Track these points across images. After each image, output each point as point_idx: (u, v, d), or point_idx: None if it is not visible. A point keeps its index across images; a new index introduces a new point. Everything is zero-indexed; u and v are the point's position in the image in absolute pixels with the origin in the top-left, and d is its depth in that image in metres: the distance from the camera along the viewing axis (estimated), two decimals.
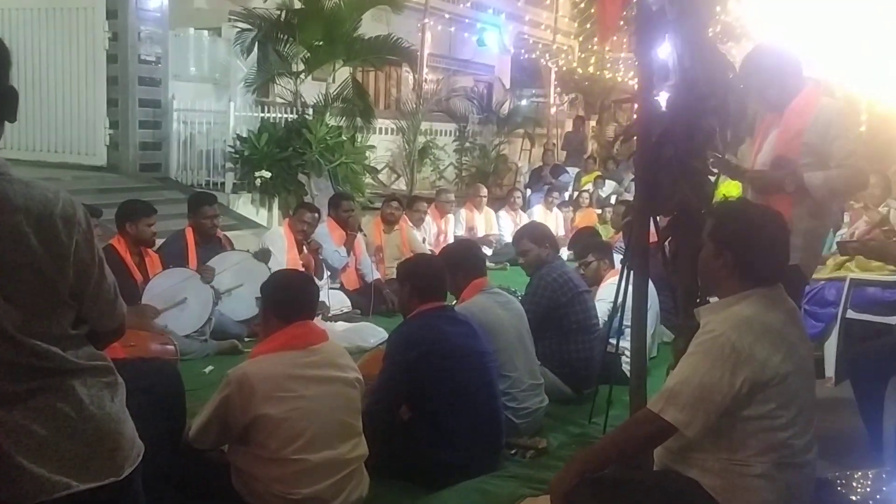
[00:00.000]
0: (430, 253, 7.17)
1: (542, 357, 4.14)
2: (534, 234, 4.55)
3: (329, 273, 6.40)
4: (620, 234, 6.93)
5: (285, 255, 6.00)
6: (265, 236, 6.44)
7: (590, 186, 12.36)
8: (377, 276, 6.80)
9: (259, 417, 2.66)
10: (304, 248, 6.15)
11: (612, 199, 11.86)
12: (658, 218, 3.22)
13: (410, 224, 7.79)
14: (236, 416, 2.67)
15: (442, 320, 3.35)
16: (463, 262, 3.91)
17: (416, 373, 3.22)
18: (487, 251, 9.44)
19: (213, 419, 2.71)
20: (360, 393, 2.94)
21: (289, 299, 2.88)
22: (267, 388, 2.67)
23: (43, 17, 9.45)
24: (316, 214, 6.29)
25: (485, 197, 9.58)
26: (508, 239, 9.55)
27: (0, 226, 1.45)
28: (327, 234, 6.57)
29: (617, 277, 3.82)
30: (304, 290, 2.96)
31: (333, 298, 6.19)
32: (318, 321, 5.49)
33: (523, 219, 9.86)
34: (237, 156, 9.39)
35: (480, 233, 9.26)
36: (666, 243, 3.22)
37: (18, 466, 1.45)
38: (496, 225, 9.59)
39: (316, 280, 6.15)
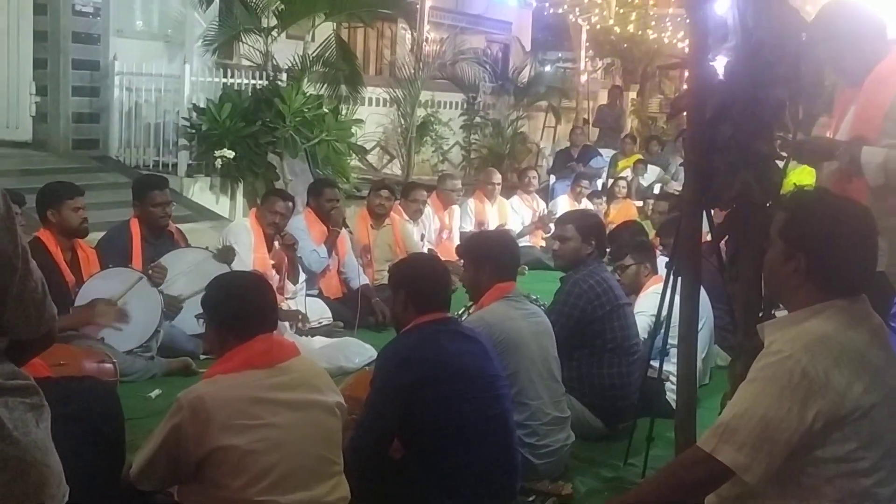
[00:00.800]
0: (428, 253, 7.19)
1: (569, 383, 4.14)
2: (583, 224, 4.61)
3: (305, 277, 6.42)
4: (664, 233, 6.91)
5: (251, 254, 6.01)
6: (227, 230, 6.45)
7: (628, 173, 12.38)
8: (364, 281, 6.80)
9: (216, 450, 2.66)
10: (276, 244, 6.16)
11: (656, 189, 11.87)
12: (713, 212, 3.22)
13: (405, 217, 7.81)
14: (188, 449, 2.67)
15: (444, 336, 3.35)
16: (494, 256, 3.95)
17: (412, 400, 3.22)
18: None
19: (159, 453, 2.71)
20: (342, 421, 2.95)
21: (244, 310, 2.88)
22: (226, 415, 2.68)
23: None
24: (290, 204, 6.30)
25: (498, 185, 9.59)
26: (523, 239, 9.61)
27: None
28: (304, 229, 6.58)
29: (661, 285, 3.81)
30: (261, 295, 2.97)
31: (311, 308, 6.20)
32: (290, 335, 5.55)
33: (543, 208, 9.89)
34: (193, 131, 9.42)
35: (492, 226, 9.27)
36: (722, 243, 3.22)
37: None
38: (511, 218, 9.62)
39: (290, 285, 6.28)
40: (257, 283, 3.09)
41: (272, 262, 6.10)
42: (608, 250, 5.28)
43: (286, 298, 6.09)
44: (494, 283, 3.90)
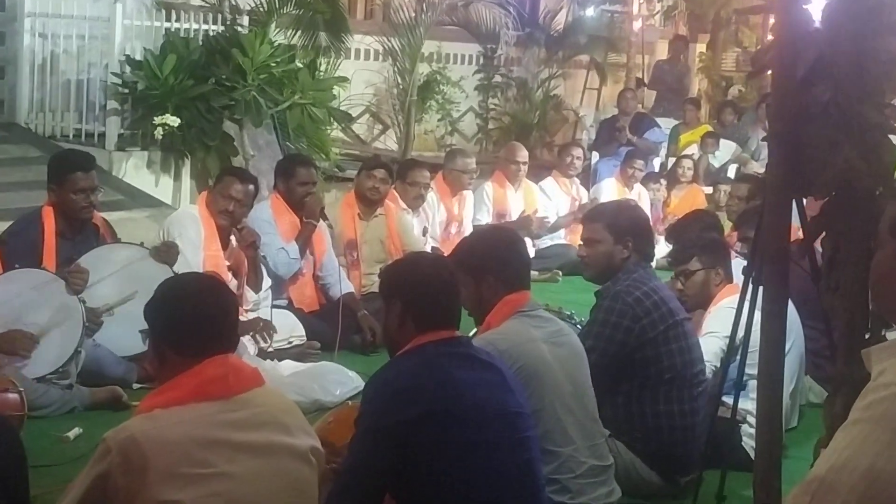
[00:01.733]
0: (435, 251, 7.19)
1: (614, 424, 4.16)
2: (616, 219, 4.60)
3: (270, 283, 6.43)
4: (742, 227, 6.91)
5: (200, 253, 6.03)
6: (168, 221, 6.47)
7: (694, 150, 12.38)
8: (348, 288, 6.83)
9: None
10: (232, 240, 6.17)
11: (731, 172, 11.86)
12: (805, 202, 3.22)
13: (402, 205, 7.84)
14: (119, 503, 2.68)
15: (453, 360, 3.35)
16: (496, 260, 3.95)
17: (410, 445, 3.21)
18: (529, 247, 9.47)
19: None
20: (318, 471, 2.95)
21: (196, 324, 2.90)
22: (169, 461, 2.68)
23: None
24: (250, 187, 6.31)
25: (524, 164, 9.59)
26: (558, 236, 9.62)
27: None
28: (270, 220, 6.62)
29: (736, 298, 3.81)
30: (220, 306, 3.00)
31: (278, 323, 6.22)
32: (250, 358, 5.56)
33: (585, 197, 9.91)
34: (126, 91, 9.44)
35: (515, 217, 9.29)
36: (817, 242, 3.21)
37: None
38: (543, 206, 9.62)
39: (251, 294, 6.29)
40: (216, 290, 3.11)
41: (227, 263, 6.13)
42: (673, 249, 5.29)
43: (246, 311, 6.11)
44: (501, 295, 3.91)
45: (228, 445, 2.77)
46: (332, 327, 6.34)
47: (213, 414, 2.79)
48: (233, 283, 6.02)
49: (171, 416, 2.76)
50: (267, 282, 6.39)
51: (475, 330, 4.54)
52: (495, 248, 4.07)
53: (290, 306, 6.64)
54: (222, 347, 2.90)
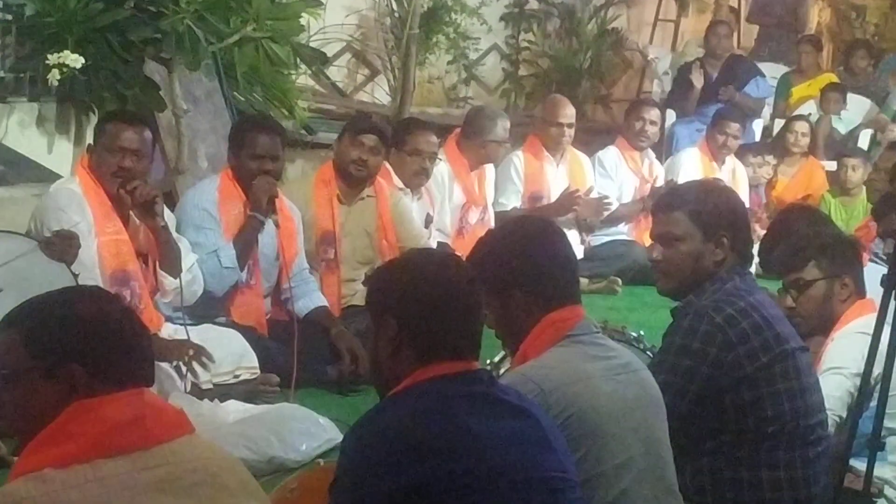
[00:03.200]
0: (444, 248, 7.22)
1: (697, 495, 4.20)
2: (704, 208, 4.58)
3: (194, 262, 6.51)
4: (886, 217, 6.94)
5: (93, 239, 6.05)
6: (40, 208, 6.39)
7: (812, 108, 12.39)
8: (321, 301, 6.86)
9: None
10: (131, 211, 6.20)
11: (865, 140, 11.86)
12: None
13: (399, 183, 7.88)
14: None
15: (468, 405, 3.36)
16: (527, 269, 3.98)
17: None
18: (576, 245, 9.48)
19: None
20: None
21: (110, 336, 2.93)
22: None
23: None
24: (146, 133, 6.35)
25: (570, 126, 9.63)
26: (621, 232, 9.68)
27: None
28: (212, 208, 6.70)
29: (871, 319, 3.82)
30: (130, 326, 3.03)
31: (220, 346, 6.25)
32: (177, 397, 5.59)
33: (659, 174, 9.94)
34: (9, 17, 9.45)
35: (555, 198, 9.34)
36: None
37: None
38: (597, 185, 9.66)
39: (168, 280, 6.26)
40: (121, 306, 3.12)
41: (135, 247, 6.20)
42: (781, 251, 5.30)
43: (164, 318, 6.22)
44: (538, 316, 3.94)
45: None
46: (297, 354, 6.39)
47: (129, 472, 2.79)
48: (140, 273, 6.18)
49: (70, 477, 2.75)
50: (190, 258, 6.42)
51: (502, 354, 4.58)
52: (522, 251, 4.08)
53: (233, 324, 6.68)
54: (135, 380, 2.92)
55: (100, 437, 2.80)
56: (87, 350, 2.88)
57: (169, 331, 6.19)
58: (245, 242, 6.65)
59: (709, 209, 4.57)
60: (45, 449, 2.83)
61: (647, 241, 8.88)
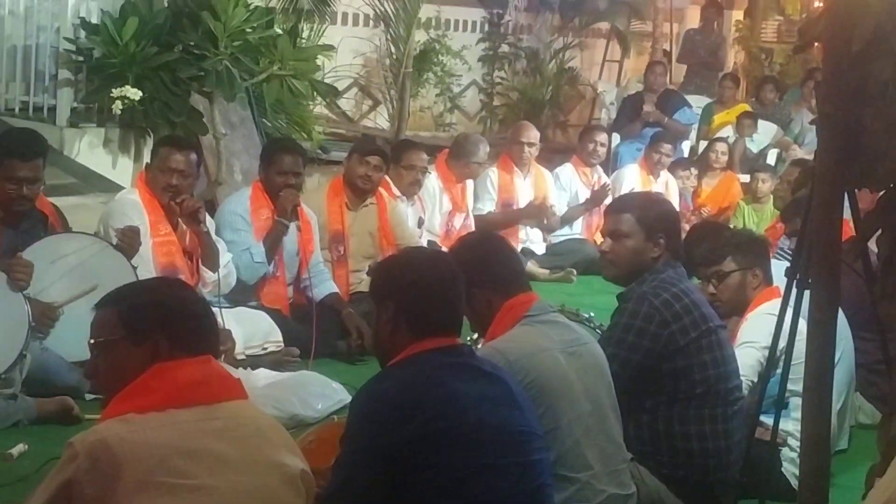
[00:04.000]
0: (432, 246, 7.20)
1: (637, 447, 4.17)
2: (646, 212, 4.58)
3: (229, 259, 6.47)
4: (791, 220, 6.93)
5: (149, 240, 6.03)
6: (106, 211, 6.41)
7: (729, 131, 12.39)
8: (332, 289, 6.85)
9: None
10: (179, 218, 6.19)
11: (772, 158, 11.88)
12: (857, 194, 3.23)
13: (396, 193, 7.84)
14: None
15: (454, 371, 3.36)
16: (487, 265, 3.97)
17: (404, 469, 3.23)
18: (537, 246, 9.49)
19: None
20: (306, 500, 2.96)
21: (186, 320, 2.94)
22: (144, 469, 2.68)
23: None
24: (192, 155, 6.35)
25: (533, 146, 9.61)
26: (573, 231, 9.65)
27: None
28: (246, 212, 6.66)
29: (777, 303, 3.82)
30: (203, 309, 3.05)
31: (251, 324, 6.24)
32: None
33: (608, 186, 9.92)
34: (81, 59, 9.42)
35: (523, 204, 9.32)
36: (872, 241, 3.22)
37: None
38: (555, 195, 9.63)
39: (208, 274, 6.24)
40: (194, 293, 3.20)
41: (184, 247, 6.20)
42: (704, 248, 5.30)
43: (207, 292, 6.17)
44: (503, 300, 3.93)
45: (211, 456, 2.78)
46: (315, 331, 6.37)
47: (195, 421, 2.80)
48: (186, 268, 6.16)
49: (148, 420, 2.76)
50: (226, 256, 6.39)
51: (475, 337, 4.57)
52: (480, 251, 4.09)
53: (262, 307, 6.64)
54: (205, 349, 2.94)
55: (173, 392, 2.82)
56: (169, 326, 2.91)
57: None
58: (272, 242, 6.61)
59: (652, 215, 4.57)
60: (129, 399, 2.84)
61: (598, 239, 8.99)
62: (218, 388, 2.90)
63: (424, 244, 7.73)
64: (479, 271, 3.93)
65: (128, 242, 5.74)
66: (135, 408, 2.80)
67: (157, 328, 2.90)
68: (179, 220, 6.20)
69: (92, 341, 2.99)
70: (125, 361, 2.89)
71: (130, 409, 2.80)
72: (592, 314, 5.52)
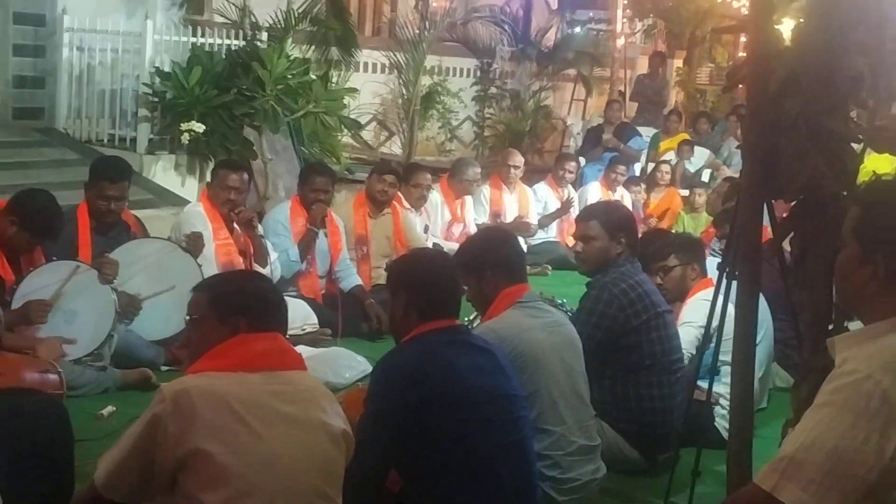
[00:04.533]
0: (437, 247, 7.18)
1: (601, 406, 4.14)
2: (609, 219, 4.58)
3: (276, 256, 6.45)
4: (722, 225, 6.92)
5: (212, 243, 6.02)
6: (178, 221, 6.41)
7: (671, 156, 12.38)
8: (356, 282, 6.83)
9: (196, 454, 2.65)
10: (235, 225, 6.19)
11: (706, 176, 11.86)
12: (775, 204, 3.22)
13: (407, 205, 7.82)
14: (166, 448, 2.66)
15: (453, 347, 3.35)
16: (494, 259, 3.95)
17: (414, 424, 3.21)
18: (522, 244, 9.46)
19: (132, 454, 2.70)
20: (346, 454, 2.94)
21: (261, 301, 2.94)
22: (214, 414, 2.67)
23: None
24: (244, 175, 6.36)
25: (518, 168, 9.58)
26: (548, 235, 9.63)
27: None
28: (285, 221, 6.64)
29: (711, 291, 3.81)
30: (275, 293, 3.07)
31: (292, 310, 6.19)
32: None
33: (573, 199, 9.90)
34: (156, 100, 9.43)
35: (510, 219, 9.27)
36: (786, 242, 3.21)
37: None
38: (534, 208, 9.61)
39: (258, 268, 6.15)
40: (267, 282, 3.21)
41: (238, 248, 6.17)
42: (653, 247, 5.28)
43: None
44: (502, 288, 3.90)
45: (269, 411, 2.76)
46: (341, 316, 6.37)
47: (259, 382, 2.79)
48: (240, 264, 6.12)
49: (221, 377, 2.77)
50: (273, 255, 6.38)
51: (469, 318, 4.56)
52: (491, 247, 4.07)
53: (299, 294, 6.60)
54: (275, 327, 2.94)
55: (245, 358, 2.82)
56: (247, 308, 2.90)
57: None
58: (305, 246, 6.58)
59: (614, 220, 4.57)
60: (209, 360, 2.85)
61: (570, 242, 8.99)
62: (281, 359, 2.89)
63: (430, 246, 7.72)
64: (494, 259, 3.95)
65: (193, 245, 5.76)
66: (212, 367, 2.80)
67: (238, 310, 2.89)
68: (236, 226, 6.17)
69: (188, 317, 3.02)
70: (211, 335, 2.89)
71: (209, 368, 2.80)
72: (564, 301, 5.53)
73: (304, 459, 2.80)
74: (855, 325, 2.55)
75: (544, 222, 9.56)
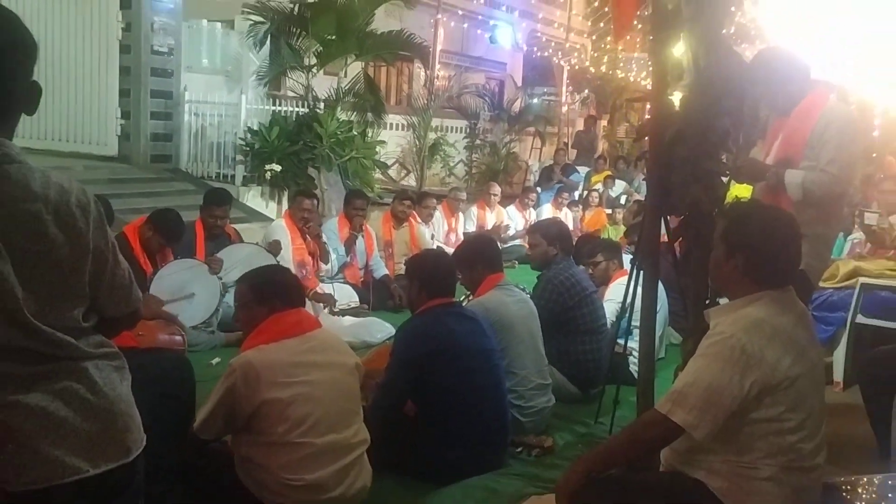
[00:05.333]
0: (440, 249, 7.19)
1: (550, 357, 4.13)
2: (548, 231, 4.57)
3: (335, 256, 6.43)
4: (631, 235, 6.90)
5: (290, 247, 6.01)
6: (267, 231, 6.40)
7: (599, 186, 12.34)
8: (385, 272, 6.81)
9: (265, 403, 2.67)
10: (307, 235, 6.16)
11: (622, 200, 11.83)
12: (669, 218, 3.21)
13: (419, 220, 7.80)
14: (241, 404, 2.68)
15: (451, 317, 3.35)
16: (482, 255, 3.94)
17: (424, 369, 3.22)
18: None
19: (218, 409, 2.71)
20: (359, 379, 2.95)
21: (289, 286, 2.91)
22: (271, 375, 2.69)
23: (56, 5, 9.47)
24: (314, 200, 6.36)
25: (497, 195, 9.57)
26: (516, 240, 9.59)
27: (22, 213, 1.45)
28: (335, 230, 6.59)
29: (626, 278, 3.81)
30: (294, 278, 3.05)
31: (341, 292, 6.20)
32: (325, 315, 5.55)
33: (533, 217, 9.88)
34: (248, 148, 9.42)
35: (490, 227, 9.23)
36: (676, 244, 3.21)
37: (33, 450, 1.45)
38: (507, 223, 9.59)
39: (323, 266, 6.27)
40: (287, 270, 3.18)
41: (308, 250, 6.11)
42: (586, 248, 5.27)
43: (320, 280, 6.13)
44: (487, 275, 3.88)
45: (306, 363, 2.76)
46: (374, 296, 6.34)
47: (296, 345, 2.78)
48: (311, 262, 6.07)
49: (271, 348, 2.75)
50: (333, 255, 6.31)
51: (462, 297, 4.55)
52: (479, 247, 4.06)
53: (346, 282, 6.56)
54: (296, 304, 2.91)
55: (283, 329, 2.79)
56: (277, 292, 2.85)
57: (321, 288, 6.12)
58: (347, 245, 6.55)
59: (550, 231, 4.54)
60: (258, 336, 2.81)
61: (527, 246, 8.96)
62: (307, 324, 2.87)
63: (435, 247, 7.70)
64: (484, 254, 3.95)
65: (273, 250, 5.73)
66: (262, 341, 2.77)
67: (272, 294, 2.85)
68: (307, 236, 6.14)
69: (236, 303, 2.98)
70: (254, 314, 2.86)
71: (260, 342, 2.77)
72: (525, 287, 5.51)
73: (334, 390, 2.81)
74: (724, 301, 2.55)
75: (517, 235, 9.52)
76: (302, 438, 2.69)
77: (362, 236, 6.70)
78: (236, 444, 2.80)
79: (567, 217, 10.20)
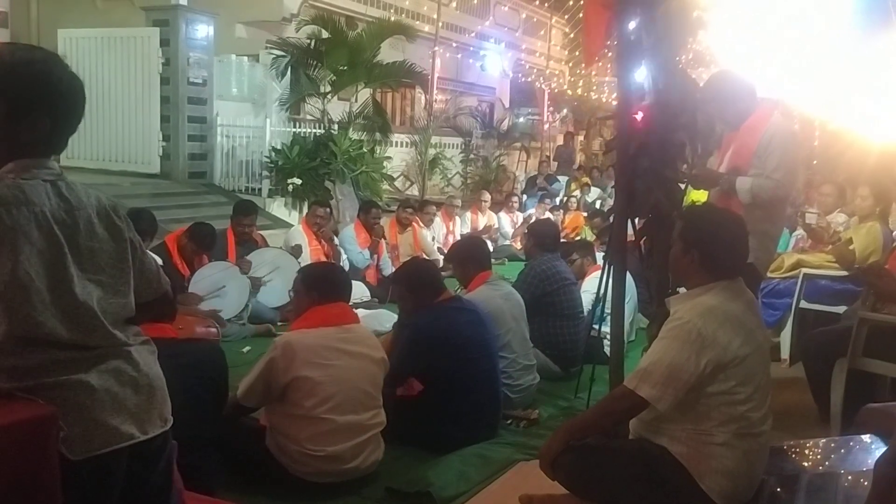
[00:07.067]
0: (422, 257, 7.19)
1: (534, 340, 4.12)
2: (537, 231, 4.61)
3: (347, 257, 6.38)
4: (602, 237, 6.89)
5: (308, 249, 6.02)
6: (287, 236, 6.37)
7: (578, 192, 12.34)
8: (393, 270, 6.79)
9: (298, 379, 2.69)
10: (321, 239, 6.16)
11: (598, 204, 11.81)
12: (635, 220, 3.22)
13: (421, 225, 7.78)
14: (278, 376, 2.70)
15: (452, 311, 3.34)
16: (472, 256, 3.94)
17: (429, 354, 3.21)
18: (489, 245, 9.42)
19: (259, 379, 2.74)
20: (383, 372, 2.95)
21: (331, 282, 2.92)
22: (307, 354, 2.70)
23: (105, 44, 9.50)
24: (327, 209, 6.33)
25: (487, 202, 9.58)
26: (506, 240, 9.60)
27: (80, 219, 1.56)
28: (353, 236, 6.55)
29: (600, 272, 3.82)
30: (342, 276, 3.06)
31: (355, 288, 6.16)
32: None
33: (520, 219, 9.87)
34: (272, 165, 9.41)
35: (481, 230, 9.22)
36: (642, 242, 3.22)
37: (96, 420, 1.50)
38: (497, 225, 9.58)
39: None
40: (341, 269, 3.25)
41: (323, 252, 6.11)
42: (565, 247, 5.28)
43: None
44: (478, 273, 3.87)
45: (338, 350, 2.78)
46: (385, 291, 6.26)
47: (332, 333, 2.79)
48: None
49: (311, 332, 2.77)
50: (343, 256, 6.26)
51: (457, 289, 4.54)
52: (472, 248, 4.06)
53: (363, 280, 6.51)
54: (342, 297, 2.93)
55: (322, 318, 2.80)
56: (325, 287, 2.87)
57: None
58: (372, 249, 6.50)
59: (539, 230, 4.54)
60: (302, 322, 2.84)
61: (518, 245, 8.97)
62: (345, 317, 2.88)
63: (435, 248, 7.69)
64: (475, 254, 3.95)
65: (295, 252, 5.72)
66: (305, 326, 2.80)
67: (319, 287, 2.87)
68: (322, 240, 6.12)
69: (291, 292, 3.03)
70: (304, 301, 2.87)
71: (303, 326, 2.80)
72: (510, 278, 5.51)
73: (359, 377, 2.82)
74: (682, 291, 2.56)
75: (513, 235, 9.51)
76: (326, 415, 2.70)
77: (384, 240, 6.68)
78: (269, 413, 2.81)
79: (550, 220, 10.19)
